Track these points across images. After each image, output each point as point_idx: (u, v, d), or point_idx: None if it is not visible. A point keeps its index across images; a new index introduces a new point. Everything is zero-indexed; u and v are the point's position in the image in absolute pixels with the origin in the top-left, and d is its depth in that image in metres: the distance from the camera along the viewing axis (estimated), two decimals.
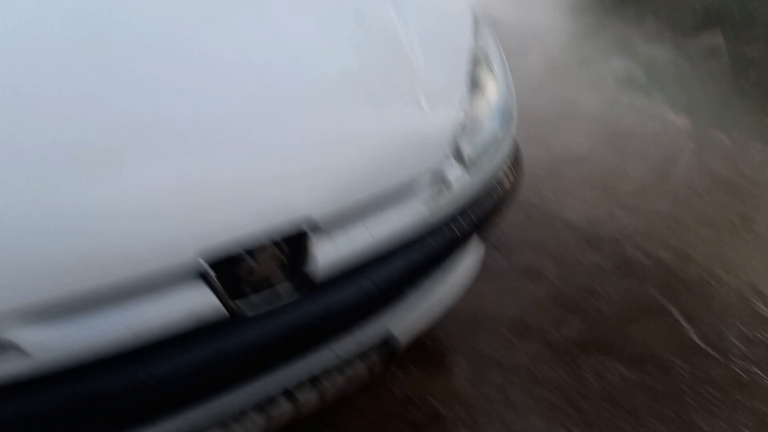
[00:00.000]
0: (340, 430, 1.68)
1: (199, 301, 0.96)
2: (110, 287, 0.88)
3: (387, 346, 1.38)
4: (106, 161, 0.89)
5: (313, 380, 1.25)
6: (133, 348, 0.92)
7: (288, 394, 1.21)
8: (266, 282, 1.02)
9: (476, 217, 1.33)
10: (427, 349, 1.95)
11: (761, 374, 1.98)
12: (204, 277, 0.95)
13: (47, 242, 0.83)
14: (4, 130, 0.85)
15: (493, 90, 1.45)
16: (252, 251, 0.98)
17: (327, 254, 1.08)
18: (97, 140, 0.90)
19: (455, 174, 1.30)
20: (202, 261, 0.94)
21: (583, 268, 2.37)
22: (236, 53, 1.08)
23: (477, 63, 1.44)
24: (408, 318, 1.41)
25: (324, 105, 1.11)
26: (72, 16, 0.99)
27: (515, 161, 1.53)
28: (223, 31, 1.10)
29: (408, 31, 1.35)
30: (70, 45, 0.96)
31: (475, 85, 1.40)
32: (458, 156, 1.31)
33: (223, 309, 0.98)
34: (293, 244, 1.03)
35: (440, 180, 1.26)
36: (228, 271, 0.97)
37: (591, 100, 3.57)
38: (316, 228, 1.05)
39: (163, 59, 1.00)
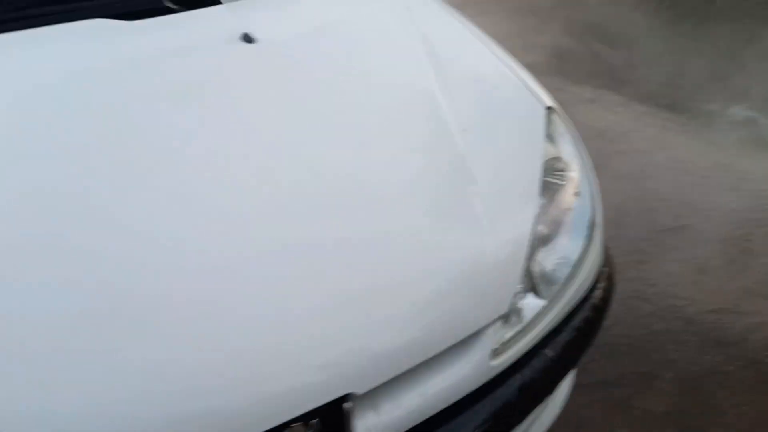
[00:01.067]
0: None
1: None
2: None
3: None
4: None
5: None
6: None
7: None
8: None
9: (555, 355, 1.14)
10: None
11: None
12: None
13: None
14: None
15: (571, 197, 1.27)
16: None
17: (369, 425, 0.94)
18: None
19: (528, 304, 1.12)
20: None
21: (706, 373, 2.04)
22: (264, 223, 0.99)
23: (552, 167, 1.28)
24: None
25: (363, 258, 0.99)
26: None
27: (604, 274, 1.32)
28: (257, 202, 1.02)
29: (468, 144, 1.21)
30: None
31: (549, 194, 1.23)
32: (532, 283, 1.13)
33: None
34: (331, 421, 0.91)
35: (509, 316, 1.09)
36: None
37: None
38: (359, 401, 0.92)
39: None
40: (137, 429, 0.80)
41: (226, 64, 1.24)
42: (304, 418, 0.89)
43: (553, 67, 3.71)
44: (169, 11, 1.26)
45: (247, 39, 1.26)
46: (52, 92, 1.05)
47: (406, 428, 0.98)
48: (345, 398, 0.91)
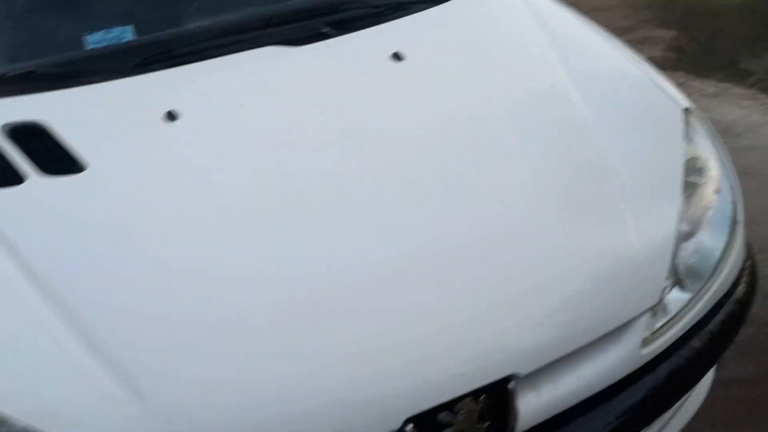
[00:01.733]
0: None
1: None
2: None
3: None
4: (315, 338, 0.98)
5: None
6: None
7: None
8: None
9: (701, 346, 1.19)
10: None
11: None
12: None
13: (264, 418, 0.94)
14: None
15: (712, 195, 1.31)
16: (455, 410, 0.99)
17: (530, 405, 1.04)
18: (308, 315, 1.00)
19: (675, 298, 1.18)
20: (409, 425, 0.97)
21: None
22: (428, 203, 1.13)
23: (692, 166, 1.33)
24: None
25: (520, 247, 1.10)
26: None
27: (747, 269, 1.35)
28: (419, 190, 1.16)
29: (609, 146, 1.29)
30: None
31: (691, 192, 1.28)
32: (677, 278, 1.19)
33: None
34: (496, 398, 1.02)
35: (657, 309, 1.15)
36: (431, 429, 0.99)
37: None
38: (521, 382, 1.03)
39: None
40: (345, 402, 0.96)
41: (378, 79, 1.39)
42: (475, 395, 1.00)
43: (672, 61, 3.64)
44: (327, 36, 1.43)
45: (397, 57, 1.41)
46: (256, 99, 1.31)
47: (563, 409, 1.07)
48: (509, 379, 1.02)
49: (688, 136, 1.38)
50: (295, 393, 0.95)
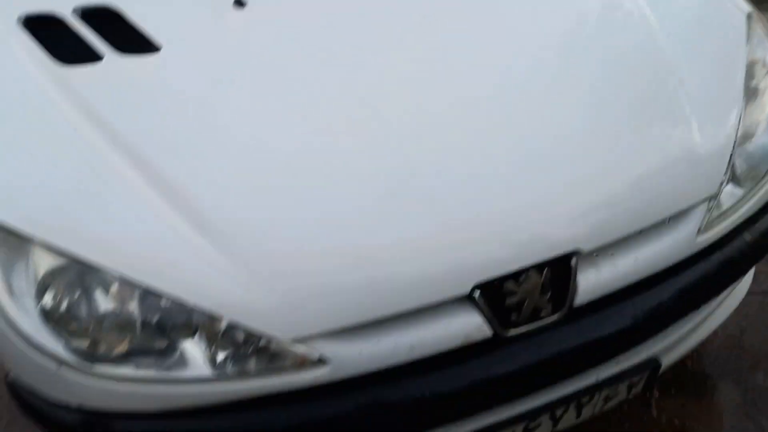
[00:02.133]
0: None
1: (469, 325, 1.04)
2: (399, 314, 1.02)
3: (649, 367, 1.33)
4: (399, 208, 1.04)
5: (571, 398, 1.26)
6: (413, 363, 1.03)
7: (547, 409, 1.24)
8: (530, 308, 1.07)
9: (752, 239, 1.24)
10: (689, 371, 1.83)
11: None
12: (475, 303, 1.04)
13: (355, 280, 1.01)
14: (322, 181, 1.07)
15: None
16: (519, 281, 1.05)
17: (589, 281, 1.09)
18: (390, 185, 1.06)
19: (729, 193, 1.22)
20: (476, 291, 1.03)
21: None
22: (497, 94, 1.17)
23: (753, 69, 1.34)
24: (672, 340, 1.35)
25: (591, 135, 1.14)
26: None
27: None
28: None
29: (674, 48, 1.31)
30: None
31: (752, 95, 1.30)
32: (735, 174, 1.23)
33: (490, 331, 1.05)
34: (558, 272, 1.07)
35: (713, 201, 1.19)
36: (496, 297, 1.05)
37: None
38: (582, 259, 1.08)
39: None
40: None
41: None
42: (539, 268, 1.06)
43: None
44: None
45: None
46: None
47: (618, 287, 1.13)
48: (572, 255, 1.07)
49: (750, 41, 1.39)
50: (379, 258, 1.01)
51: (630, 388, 1.35)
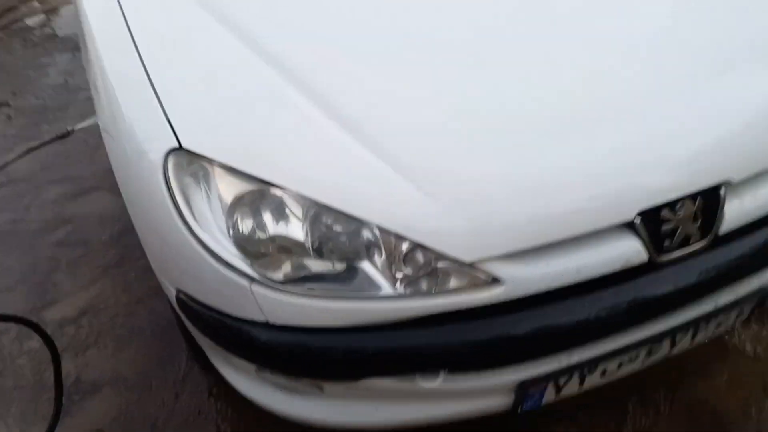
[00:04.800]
0: (694, 374, 1.75)
1: (629, 250, 1.12)
2: (569, 239, 1.09)
3: (757, 296, 1.42)
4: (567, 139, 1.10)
5: (692, 323, 1.35)
6: (575, 285, 1.11)
7: (671, 333, 1.33)
8: (681, 235, 1.14)
9: None
10: None
11: None
12: (636, 229, 1.12)
13: (532, 206, 1.07)
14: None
15: None
16: (675, 209, 1.13)
17: (733, 210, 1.17)
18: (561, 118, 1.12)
19: None
20: (638, 218, 1.10)
21: None
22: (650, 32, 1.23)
23: None
24: None
25: (751, 78, 1.21)
26: None
27: None
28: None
29: None
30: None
31: None
32: None
33: (646, 256, 1.13)
34: (709, 201, 1.15)
35: None
36: (653, 224, 1.12)
37: None
38: (730, 189, 1.15)
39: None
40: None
41: None
42: (693, 197, 1.13)
43: None
44: None
45: None
46: None
47: (757, 218, 1.20)
48: (722, 185, 1.14)
49: None
50: (554, 185, 1.08)
51: (738, 316, 1.44)
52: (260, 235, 1.10)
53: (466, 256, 1.06)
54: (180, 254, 1.15)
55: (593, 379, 1.32)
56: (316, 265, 1.10)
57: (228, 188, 1.11)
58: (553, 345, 1.15)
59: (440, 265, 1.08)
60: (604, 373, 1.32)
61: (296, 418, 1.33)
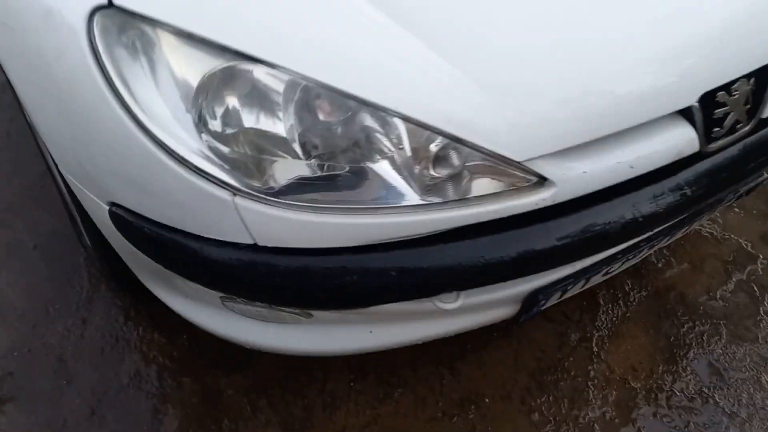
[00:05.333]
0: (658, 262, 1.71)
1: (683, 139, 0.97)
2: (621, 132, 0.92)
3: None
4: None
5: (713, 204, 1.21)
6: (627, 180, 0.95)
7: (686, 221, 1.21)
8: (732, 120, 1.00)
9: None
10: None
11: None
12: (690, 117, 0.96)
13: (583, 99, 0.88)
14: None
15: None
16: (731, 92, 0.98)
17: None
18: None
19: None
20: (695, 104, 0.95)
21: None
22: None
23: None
24: None
25: None
26: None
27: None
28: None
29: None
30: None
31: None
32: None
33: (698, 145, 0.98)
34: (760, 83, 1.01)
35: None
36: (708, 110, 0.97)
37: None
38: None
39: None
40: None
41: None
42: (748, 77, 0.98)
43: None
44: None
45: None
46: None
47: None
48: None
49: None
50: (605, 75, 0.89)
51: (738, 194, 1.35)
52: (234, 130, 0.81)
53: (516, 155, 0.85)
54: (122, 158, 0.83)
55: (596, 279, 1.22)
56: (315, 170, 0.83)
57: (189, 64, 0.79)
58: (590, 250, 0.99)
59: (478, 165, 0.86)
60: (607, 272, 1.21)
61: (271, 348, 1.11)
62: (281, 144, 0.82)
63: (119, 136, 0.80)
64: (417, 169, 0.84)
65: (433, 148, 0.84)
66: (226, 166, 0.81)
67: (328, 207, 0.84)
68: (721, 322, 1.58)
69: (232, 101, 0.80)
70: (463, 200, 0.87)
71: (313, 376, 1.44)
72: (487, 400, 1.43)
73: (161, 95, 0.80)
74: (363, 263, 0.87)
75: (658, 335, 1.55)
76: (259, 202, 0.82)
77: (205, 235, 0.86)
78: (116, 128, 0.80)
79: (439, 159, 0.85)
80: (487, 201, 0.87)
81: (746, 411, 1.43)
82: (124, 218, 0.91)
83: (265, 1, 0.81)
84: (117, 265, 1.23)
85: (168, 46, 0.79)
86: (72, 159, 0.93)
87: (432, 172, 0.85)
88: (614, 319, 1.57)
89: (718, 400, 1.45)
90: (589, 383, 1.47)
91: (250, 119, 0.81)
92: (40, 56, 0.83)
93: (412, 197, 0.85)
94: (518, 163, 0.85)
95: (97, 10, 0.78)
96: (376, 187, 0.85)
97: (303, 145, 0.82)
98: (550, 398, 1.44)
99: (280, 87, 0.80)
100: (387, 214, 0.85)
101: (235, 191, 0.81)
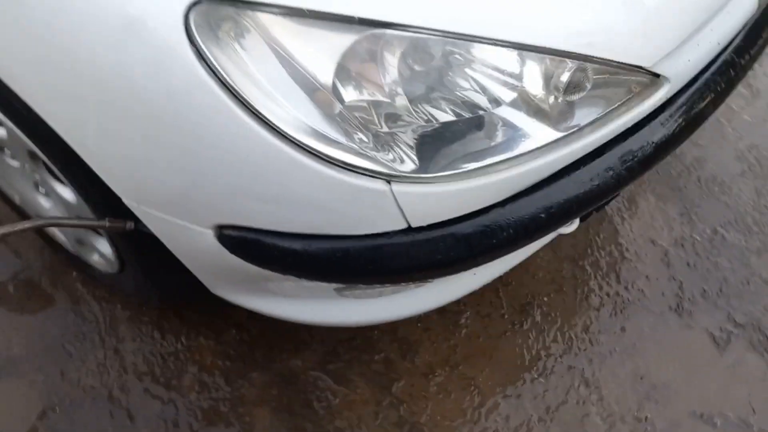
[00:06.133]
0: None
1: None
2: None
3: None
4: None
5: None
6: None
7: None
8: None
9: None
10: None
11: None
12: None
13: None
14: None
15: None
16: None
17: None
18: None
19: None
20: None
21: None
22: None
23: None
24: None
25: None
26: None
27: None
28: None
29: None
30: None
31: None
32: None
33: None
34: None
35: None
36: None
37: None
38: None
39: None
40: None
41: None
42: None
43: None
44: None
45: None
46: None
47: None
48: None
49: None
50: None
51: None
52: (375, 113, 0.72)
53: (646, 61, 0.82)
54: (253, 173, 0.71)
55: None
56: (455, 134, 0.76)
57: (317, 48, 0.67)
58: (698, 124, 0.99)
59: (599, 80, 0.82)
60: None
61: (385, 319, 1.08)
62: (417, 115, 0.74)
63: (251, 149, 0.68)
64: (551, 99, 0.80)
65: (565, 75, 0.78)
66: (377, 155, 0.72)
67: (476, 169, 0.78)
68: None
69: (374, 76, 0.70)
70: (599, 119, 0.83)
71: (380, 328, 1.40)
72: (545, 298, 1.48)
73: (290, 93, 0.68)
74: (514, 214, 0.83)
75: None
76: (414, 183, 0.74)
77: (353, 233, 0.77)
78: (246, 141, 0.68)
79: (569, 85, 0.80)
80: (619, 113, 0.85)
81: None
82: (242, 238, 0.79)
83: None
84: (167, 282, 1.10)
85: (285, 32, 0.66)
86: (160, 188, 0.78)
87: (565, 100, 0.80)
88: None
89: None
90: (625, 253, 1.55)
91: (387, 94, 0.71)
92: (121, 77, 0.67)
93: (550, 133, 0.81)
94: (643, 68, 0.82)
95: (192, 6, 0.63)
96: (514, 134, 0.79)
97: (436, 110, 0.75)
98: (597, 277, 1.51)
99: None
100: (533, 159, 0.80)
101: (389, 179, 0.73)
